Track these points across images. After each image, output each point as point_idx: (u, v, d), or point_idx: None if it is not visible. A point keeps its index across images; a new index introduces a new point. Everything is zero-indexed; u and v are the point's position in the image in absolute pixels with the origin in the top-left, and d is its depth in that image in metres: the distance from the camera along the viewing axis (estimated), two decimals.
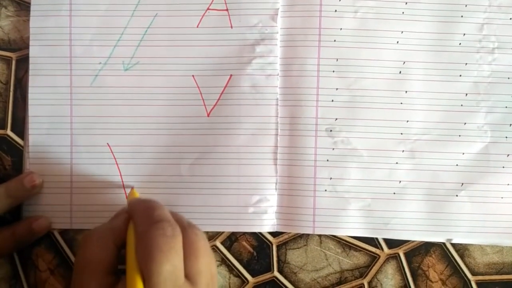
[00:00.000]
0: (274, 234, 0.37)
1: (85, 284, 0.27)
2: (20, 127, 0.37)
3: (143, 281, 0.26)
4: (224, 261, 0.37)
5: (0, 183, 0.36)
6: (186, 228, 0.28)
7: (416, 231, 0.36)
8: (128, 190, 0.37)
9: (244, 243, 0.37)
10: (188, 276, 0.27)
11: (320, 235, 0.37)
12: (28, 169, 0.37)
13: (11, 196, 0.35)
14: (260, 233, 0.37)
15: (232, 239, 0.37)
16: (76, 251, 0.29)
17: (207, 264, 0.28)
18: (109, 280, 0.27)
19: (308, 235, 0.37)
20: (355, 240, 0.37)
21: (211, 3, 0.36)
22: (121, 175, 0.37)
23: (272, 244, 0.37)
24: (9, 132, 0.38)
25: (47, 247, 0.37)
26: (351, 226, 0.36)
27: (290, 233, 0.37)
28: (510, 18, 0.37)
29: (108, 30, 0.37)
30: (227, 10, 0.36)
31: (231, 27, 0.36)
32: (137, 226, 0.28)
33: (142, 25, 0.37)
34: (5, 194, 0.35)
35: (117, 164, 0.37)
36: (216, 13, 0.36)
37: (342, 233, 0.36)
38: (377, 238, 0.37)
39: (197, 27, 0.37)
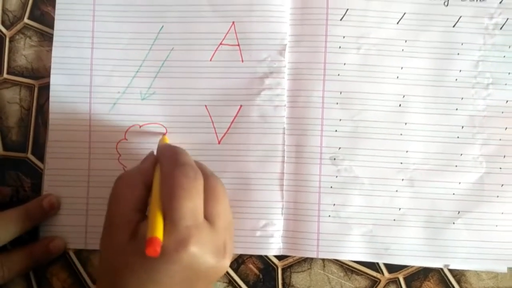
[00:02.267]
0: (280, 257, 0.39)
1: (117, 219, 0.29)
2: (40, 150, 0.40)
3: (164, 217, 0.28)
4: (231, 283, 0.39)
5: (19, 204, 0.37)
6: (208, 175, 0.30)
7: (415, 257, 0.38)
8: None
9: (250, 265, 0.39)
10: (207, 217, 0.29)
11: (323, 259, 0.39)
12: (47, 191, 0.39)
13: (30, 218, 0.37)
14: (266, 256, 0.39)
15: (239, 262, 0.39)
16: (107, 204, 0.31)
17: (225, 209, 0.30)
18: (137, 216, 0.29)
19: (312, 258, 0.39)
20: (357, 264, 0.39)
21: (223, 39, 0.39)
22: None
23: (277, 267, 0.39)
24: (29, 155, 0.40)
25: (62, 266, 0.39)
26: (353, 251, 0.38)
27: (294, 256, 0.39)
28: (504, 56, 0.39)
29: (128, 62, 0.39)
30: (238, 45, 0.39)
31: (242, 61, 0.39)
32: (163, 167, 0.30)
33: (159, 58, 0.39)
34: (25, 215, 0.37)
35: None
36: (228, 48, 0.39)
37: (345, 257, 0.38)
38: (378, 263, 0.39)
39: (210, 60, 0.39)
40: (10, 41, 0.40)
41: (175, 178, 0.28)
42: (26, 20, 0.40)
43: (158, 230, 0.27)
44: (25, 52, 0.40)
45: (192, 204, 0.28)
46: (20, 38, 0.40)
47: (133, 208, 0.30)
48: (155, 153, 0.35)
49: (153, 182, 0.31)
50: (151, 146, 0.39)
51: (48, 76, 0.40)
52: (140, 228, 0.28)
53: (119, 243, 0.29)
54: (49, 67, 0.40)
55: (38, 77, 0.40)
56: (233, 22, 0.39)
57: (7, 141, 0.40)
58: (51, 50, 0.40)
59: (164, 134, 0.39)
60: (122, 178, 0.31)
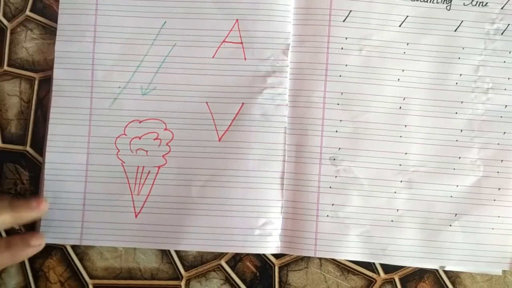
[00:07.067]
0: (277, 255, 0.39)
1: None
2: (39, 144, 0.39)
3: None
4: (228, 280, 0.39)
5: (18, 197, 0.37)
6: None
7: (411, 258, 0.38)
8: (137, 209, 0.38)
9: (248, 263, 0.39)
10: None
11: (320, 258, 0.39)
12: (45, 185, 0.38)
13: (13, 209, 0.34)
14: (263, 254, 0.39)
15: (236, 259, 0.39)
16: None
17: None
18: None
19: (309, 257, 0.39)
20: (354, 264, 0.39)
21: (227, 36, 0.39)
22: (132, 195, 0.39)
23: (274, 265, 0.39)
24: (28, 148, 0.39)
25: (59, 260, 0.39)
26: (350, 251, 0.38)
27: (292, 255, 0.39)
28: (504, 61, 0.40)
29: (129, 57, 0.39)
30: (241, 43, 0.39)
31: (245, 59, 0.39)
32: None
33: (161, 53, 0.39)
34: (8, 205, 0.34)
35: (129, 183, 0.39)
36: (231, 46, 0.39)
37: (342, 257, 0.38)
38: (374, 263, 0.39)
39: (213, 57, 0.39)
40: (11, 33, 0.40)
41: None
42: (28, 12, 0.40)
43: None
44: (26, 44, 0.40)
45: None
46: (21, 30, 0.40)
47: None
48: None
49: None
50: (149, 142, 0.39)
51: (49, 69, 0.40)
52: None
53: None
54: (50, 60, 0.40)
55: (39, 70, 0.40)
56: (237, 20, 0.39)
57: (6, 134, 0.40)
58: (52, 43, 0.40)
59: None
60: None
